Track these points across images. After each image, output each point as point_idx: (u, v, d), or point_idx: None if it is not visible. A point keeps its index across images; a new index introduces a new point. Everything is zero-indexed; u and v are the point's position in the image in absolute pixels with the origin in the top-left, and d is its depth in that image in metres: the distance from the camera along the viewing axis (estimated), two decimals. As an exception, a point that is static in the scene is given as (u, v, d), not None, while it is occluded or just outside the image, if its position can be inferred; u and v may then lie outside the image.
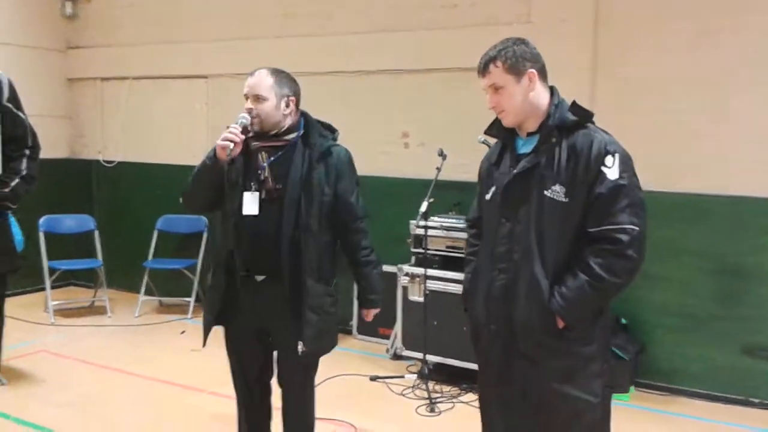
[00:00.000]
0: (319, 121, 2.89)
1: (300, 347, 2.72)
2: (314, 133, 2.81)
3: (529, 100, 2.27)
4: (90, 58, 6.97)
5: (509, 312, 2.28)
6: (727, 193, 4.38)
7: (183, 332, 5.72)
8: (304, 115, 2.85)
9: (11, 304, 6.02)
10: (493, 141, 2.57)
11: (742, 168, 4.35)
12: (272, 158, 2.74)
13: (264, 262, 2.72)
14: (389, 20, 5.47)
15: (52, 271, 6.08)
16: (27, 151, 3.02)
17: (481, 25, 5.07)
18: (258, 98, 2.70)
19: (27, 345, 5.24)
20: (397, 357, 5.06)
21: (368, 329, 5.49)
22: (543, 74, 2.31)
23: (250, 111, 2.69)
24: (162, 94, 6.66)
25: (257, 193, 2.71)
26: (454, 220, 4.77)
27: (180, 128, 6.57)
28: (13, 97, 2.81)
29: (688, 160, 4.49)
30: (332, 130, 2.91)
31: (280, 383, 2.96)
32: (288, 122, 2.77)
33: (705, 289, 4.46)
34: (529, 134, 2.33)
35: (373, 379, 4.71)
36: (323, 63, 5.67)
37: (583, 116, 2.26)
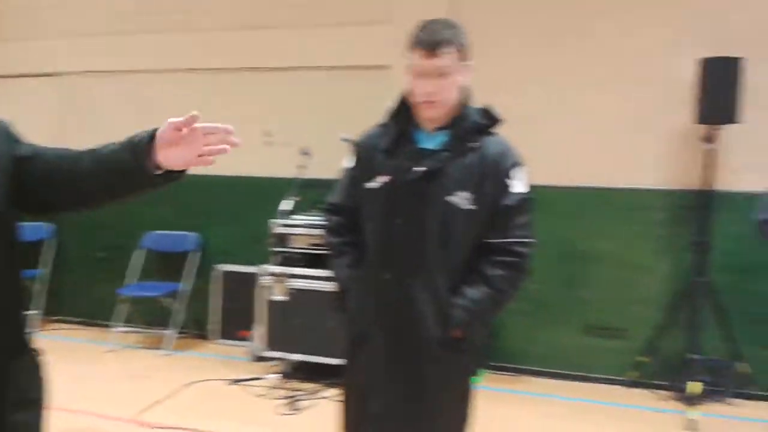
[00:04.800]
0: None
1: None
2: None
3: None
4: None
5: (402, 322, 2.11)
6: (571, 183, 4.72)
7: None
8: None
9: None
10: (354, 139, 2.34)
11: (582, 160, 4.70)
12: None
13: None
14: (251, 17, 5.34)
15: None
16: None
17: (341, 24, 5.07)
18: None
19: None
20: (259, 359, 4.96)
21: (228, 333, 5.40)
22: None
23: None
24: (11, 93, 6.08)
25: None
26: (317, 218, 4.74)
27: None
28: None
29: (534, 154, 4.71)
30: None
31: None
32: None
33: (550, 274, 4.71)
34: (437, 129, 2.12)
35: (234, 382, 4.60)
36: (182, 60, 5.46)
37: (494, 121, 2.15)
